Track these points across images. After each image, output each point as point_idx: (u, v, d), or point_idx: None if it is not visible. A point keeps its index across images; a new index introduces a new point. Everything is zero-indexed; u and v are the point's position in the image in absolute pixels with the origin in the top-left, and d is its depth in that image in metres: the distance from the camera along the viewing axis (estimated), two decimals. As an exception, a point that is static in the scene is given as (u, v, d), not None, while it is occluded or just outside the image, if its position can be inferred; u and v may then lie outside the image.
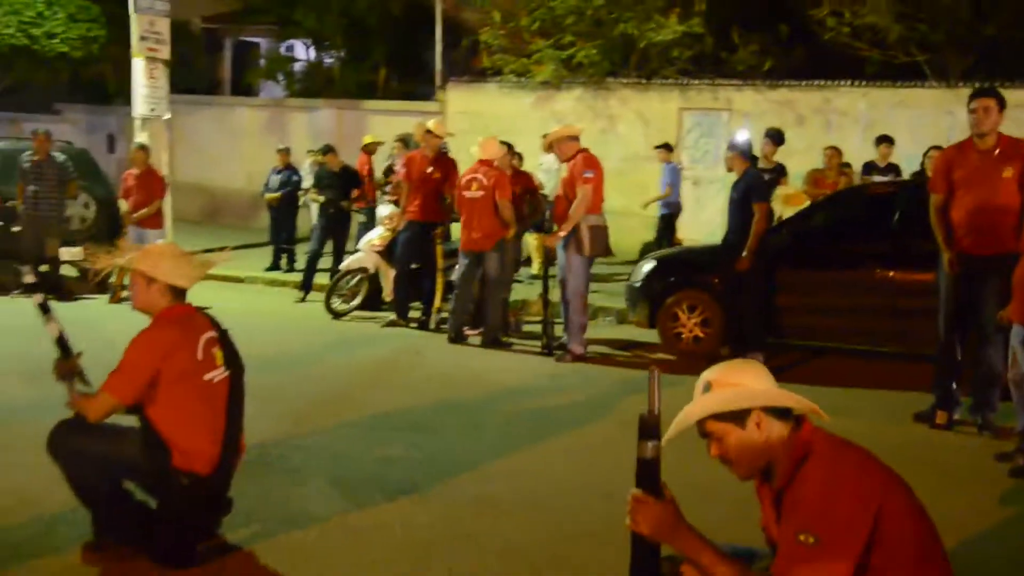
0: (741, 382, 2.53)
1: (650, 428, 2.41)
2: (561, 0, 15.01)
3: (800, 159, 11.72)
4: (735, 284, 8.05)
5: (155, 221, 11.33)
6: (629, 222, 13.38)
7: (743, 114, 14.22)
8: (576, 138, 8.44)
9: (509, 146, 9.66)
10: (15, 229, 11.17)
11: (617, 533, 2.44)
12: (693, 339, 8.24)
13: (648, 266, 8.72)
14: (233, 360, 4.17)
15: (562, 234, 8.29)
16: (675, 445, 2.47)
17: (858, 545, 2.31)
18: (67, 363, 4.02)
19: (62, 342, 4.06)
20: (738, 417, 2.47)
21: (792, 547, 2.34)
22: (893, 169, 10.64)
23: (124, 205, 11.39)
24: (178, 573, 3.87)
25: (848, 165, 11.09)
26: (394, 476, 5.19)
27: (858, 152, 12.11)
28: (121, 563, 3.92)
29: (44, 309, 4.21)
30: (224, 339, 4.17)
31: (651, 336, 8.65)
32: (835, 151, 10.78)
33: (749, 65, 14.56)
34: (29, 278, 5.35)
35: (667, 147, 13.21)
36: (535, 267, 8.83)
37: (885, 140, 10.99)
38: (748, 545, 2.75)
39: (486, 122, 14.26)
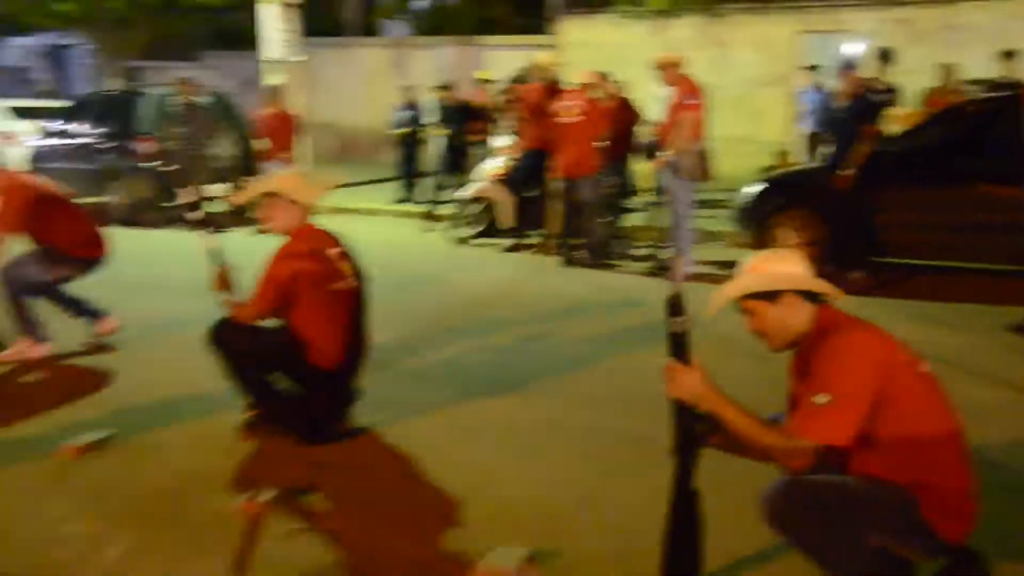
0: (777, 268, 2.95)
1: (676, 307, 2.89)
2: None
3: (920, 78, 11.62)
4: (838, 203, 8.24)
5: (287, 156, 12.18)
6: (744, 148, 13.53)
7: (862, 35, 14.08)
8: (679, 64, 8.69)
9: (604, 76, 9.99)
10: (167, 168, 12.23)
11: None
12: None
13: (756, 188, 8.92)
14: (358, 272, 4.75)
15: (666, 159, 8.67)
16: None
17: (864, 405, 2.71)
18: (222, 273, 4.72)
19: (217, 254, 4.75)
20: (773, 296, 2.90)
21: (808, 406, 2.74)
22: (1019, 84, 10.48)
23: (259, 143, 12.29)
24: (314, 448, 4.53)
25: (977, 82, 10.93)
26: (504, 377, 5.75)
27: (983, 68, 11.92)
28: (270, 438, 4.63)
29: (203, 225, 4.93)
30: (349, 254, 4.77)
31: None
32: (947, 68, 10.70)
33: (869, -17, 14.37)
34: (189, 198, 6.02)
35: (813, 68, 13.11)
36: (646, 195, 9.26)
37: (1009, 55, 10.83)
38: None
39: (600, 53, 14.47)
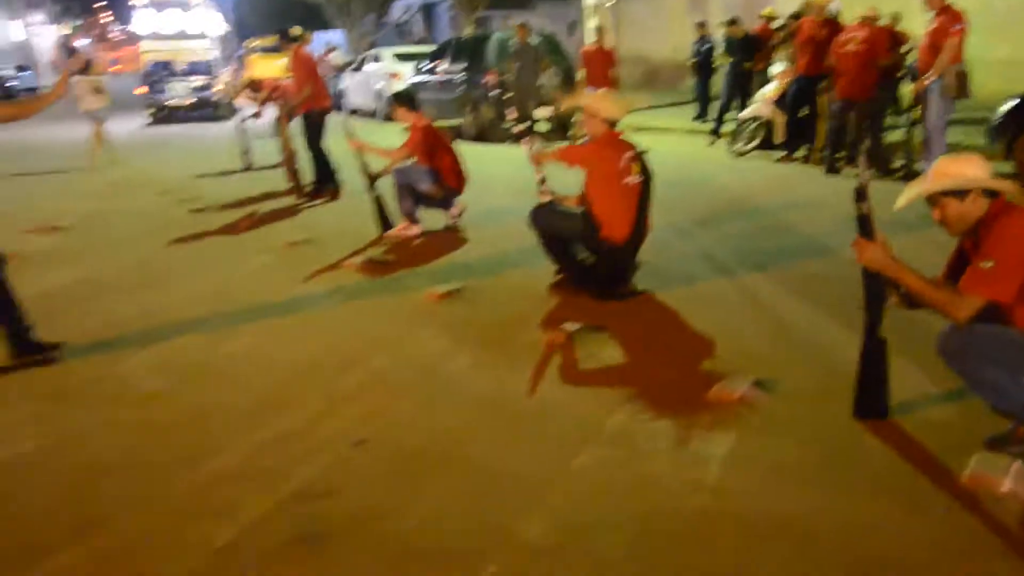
0: (966, 170, 3.04)
1: (862, 194, 3.12)
2: None
3: None
4: None
5: (605, 85, 12.62)
6: (1016, 69, 12.26)
7: None
8: None
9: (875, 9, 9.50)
10: (507, 96, 13.14)
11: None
12: (1044, 168, 7.73)
13: (1007, 105, 8.28)
14: (646, 172, 5.12)
15: (931, 79, 8.25)
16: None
17: (1023, 270, 2.86)
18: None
19: (536, 159, 5.39)
20: (961, 194, 3.00)
21: (976, 270, 2.90)
22: None
23: (580, 74, 12.83)
24: (604, 302, 5.04)
25: None
26: (753, 258, 5.97)
27: None
28: (572, 296, 5.23)
29: (526, 137, 5.57)
30: (641, 158, 5.14)
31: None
32: None
33: None
34: (513, 115, 6.64)
35: None
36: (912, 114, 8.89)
37: None
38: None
39: (880, -16, 13.50)
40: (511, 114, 6.37)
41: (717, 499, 2.90)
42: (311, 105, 9.01)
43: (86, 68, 12.52)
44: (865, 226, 3.15)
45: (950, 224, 3.08)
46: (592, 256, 5.22)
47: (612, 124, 5.15)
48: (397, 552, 2.70)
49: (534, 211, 5.31)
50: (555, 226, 5.25)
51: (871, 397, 3.40)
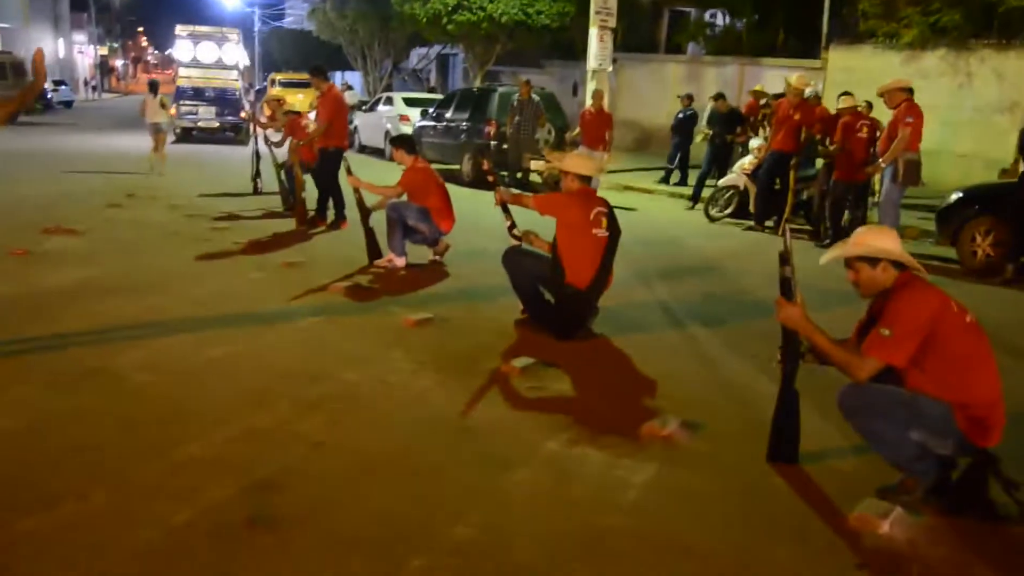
0: (881, 243, 3.27)
1: (785, 259, 3.33)
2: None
3: None
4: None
5: (600, 145, 12.81)
6: (975, 163, 12.67)
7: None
8: (904, 89, 8.51)
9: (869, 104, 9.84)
10: (504, 147, 13.46)
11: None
12: (985, 256, 8.01)
13: (954, 196, 8.56)
14: (613, 227, 5.33)
15: (883, 165, 8.55)
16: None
17: (917, 338, 3.04)
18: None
19: (505, 208, 5.62)
20: (873, 262, 3.23)
21: (876, 335, 3.11)
22: None
23: (575, 133, 13.12)
24: (561, 341, 5.22)
25: None
26: (705, 314, 6.17)
27: None
28: (533, 333, 5.41)
29: (496, 186, 5.80)
30: (610, 213, 5.36)
31: (951, 253, 8.48)
32: None
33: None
34: (486, 167, 6.77)
35: None
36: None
37: None
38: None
39: (860, 77, 13.89)
40: (484, 165, 6.59)
41: (629, 520, 3.08)
42: (329, 142, 9.20)
43: (154, 88, 14.21)
44: (786, 288, 3.35)
45: (861, 286, 3.30)
46: (555, 297, 5.39)
47: (585, 180, 5.38)
48: (339, 540, 2.86)
49: (507, 252, 5.53)
50: (525, 267, 5.45)
51: (783, 443, 3.58)
